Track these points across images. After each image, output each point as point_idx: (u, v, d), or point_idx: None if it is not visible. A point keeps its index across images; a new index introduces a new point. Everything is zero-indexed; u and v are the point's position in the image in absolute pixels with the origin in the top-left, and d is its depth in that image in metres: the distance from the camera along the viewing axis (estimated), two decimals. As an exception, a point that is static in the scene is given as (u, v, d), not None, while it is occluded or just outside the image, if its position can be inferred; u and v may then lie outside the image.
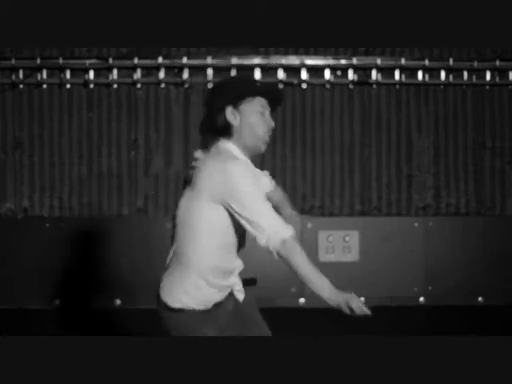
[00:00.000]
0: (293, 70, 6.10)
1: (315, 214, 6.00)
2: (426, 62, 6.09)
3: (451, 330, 4.87)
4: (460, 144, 6.27)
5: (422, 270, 5.77)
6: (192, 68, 6.04)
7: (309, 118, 6.21)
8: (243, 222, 2.18)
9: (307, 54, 6.06)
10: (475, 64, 6.10)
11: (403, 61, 6.06)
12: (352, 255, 5.53)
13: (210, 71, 6.03)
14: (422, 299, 5.76)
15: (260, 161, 5.51)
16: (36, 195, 6.09)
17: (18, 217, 6.05)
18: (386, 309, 5.53)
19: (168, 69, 6.06)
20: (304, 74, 6.09)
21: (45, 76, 6.02)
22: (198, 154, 2.36)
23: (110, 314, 5.43)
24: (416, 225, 5.83)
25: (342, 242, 4.96)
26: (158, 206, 6.12)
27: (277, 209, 2.60)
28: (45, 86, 6.07)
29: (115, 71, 6.03)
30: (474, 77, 6.20)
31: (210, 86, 6.07)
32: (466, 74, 6.18)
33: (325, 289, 2.12)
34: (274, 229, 2.15)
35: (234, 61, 5.97)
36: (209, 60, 5.97)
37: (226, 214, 2.22)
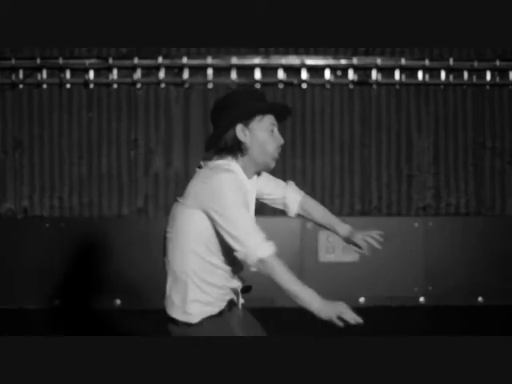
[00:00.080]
0: (293, 70, 6.10)
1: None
2: (426, 62, 6.09)
3: (451, 329, 4.87)
4: (460, 144, 6.27)
5: (422, 270, 5.77)
6: (192, 68, 6.04)
7: (309, 118, 6.21)
8: (223, 233, 2.16)
9: (307, 53, 6.06)
10: (475, 64, 6.11)
11: (403, 61, 6.06)
12: (352, 255, 5.53)
13: (210, 71, 6.03)
14: (422, 299, 5.76)
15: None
16: (36, 195, 6.09)
17: (18, 217, 6.05)
18: (386, 309, 5.53)
19: (168, 69, 6.06)
20: (304, 74, 6.09)
21: (45, 76, 6.03)
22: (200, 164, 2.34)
23: (110, 314, 5.43)
24: (416, 225, 5.83)
25: (342, 242, 4.97)
26: (158, 206, 6.12)
27: (310, 217, 2.61)
28: (45, 85, 6.07)
29: (115, 71, 6.04)
30: (474, 77, 6.20)
31: (210, 86, 6.08)
32: (466, 73, 6.18)
33: (312, 302, 2.10)
34: (252, 247, 2.13)
35: (234, 61, 5.97)
36: (209, 60, 5.97)
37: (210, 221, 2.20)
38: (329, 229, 2.67)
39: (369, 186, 6.22)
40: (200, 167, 2.31)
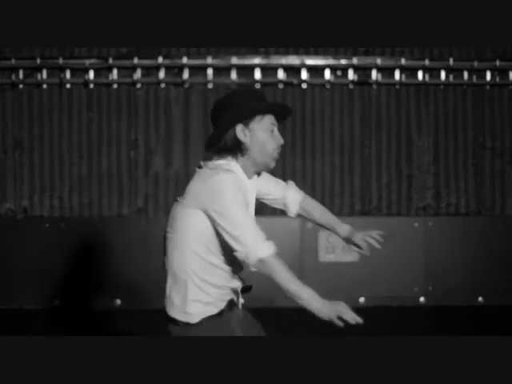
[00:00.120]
0: (293, 70, 6.10)
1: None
2: (426, 62, 6.09)
3: (451, 329, 4.87)
4: (460, 144, 6.27)
5: (422, 270, 5.77)
6: (192, 68, 6.04)
7: (309, 118, 6.21)
8: (223, 233, 2.16)
9: (307, 53, 6.06)
10: (475, 64, 6.11)
11: (403, 61, 6.06)
12: (352, 255, 5.53)
13: (210, 71, 6.03)
14: (422, 299, 5.76)
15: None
16: (36, 195, 6.09)
17: (18, 217, 6.05)
18: (386, 309, 5.53)
19: (168, 69, 6.06)
20: (304, 74, 6.09)
21: (45, 76, 6.03)
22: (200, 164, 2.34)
23: (110, 314, 5.43)
24: (416, 225, 5.83)
25: (342, 242, 4.97)
26: (158, 205, 6.12)
27: (310, 217, 2.62)
28: (45, 86, 6.07)
29: (115, 71, 6.04)
30: (474, 77, 6.20)
31: (210, 86, 6.08)
32: (466, 73, 6.18)
33: (312, 302, 2.10)
34: (252, 247, 2.13)
35: (234, 61, 5.97)
36: (209, 60, 5.97)
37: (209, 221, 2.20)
38: (329, 229, 2.68)
39: (369, 186, 6.22)
40: (200, 167, 2.31)
